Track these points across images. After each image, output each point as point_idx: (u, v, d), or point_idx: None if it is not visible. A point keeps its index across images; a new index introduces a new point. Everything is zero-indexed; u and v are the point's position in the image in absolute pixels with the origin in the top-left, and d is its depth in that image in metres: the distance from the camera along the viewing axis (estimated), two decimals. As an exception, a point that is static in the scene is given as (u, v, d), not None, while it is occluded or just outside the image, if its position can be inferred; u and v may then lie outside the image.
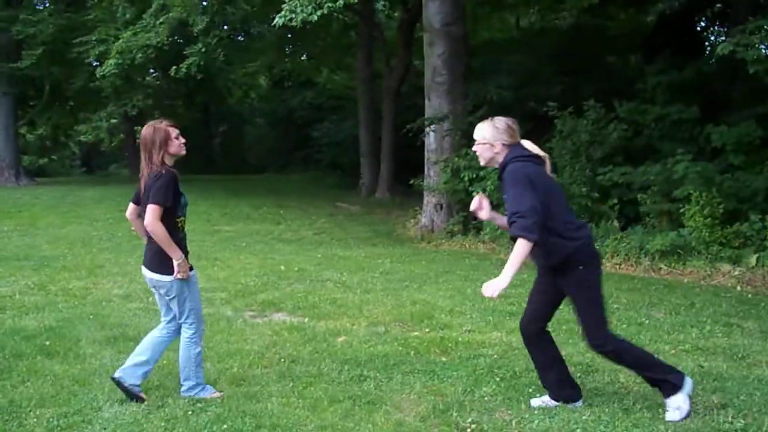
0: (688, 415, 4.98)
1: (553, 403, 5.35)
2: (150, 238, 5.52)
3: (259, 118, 45.10)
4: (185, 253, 5.62)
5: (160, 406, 5.51)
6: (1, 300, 9.49)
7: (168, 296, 5.64)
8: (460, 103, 16.81)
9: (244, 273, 11.25)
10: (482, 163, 5.38)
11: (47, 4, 28.99)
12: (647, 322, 8.07)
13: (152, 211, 5.34)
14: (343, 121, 31.65)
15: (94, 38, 23.93)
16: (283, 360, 6.53)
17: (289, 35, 26.32)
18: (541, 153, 5.29)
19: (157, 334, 5.83)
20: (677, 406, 5.00)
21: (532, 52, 21.14)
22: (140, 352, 5.72)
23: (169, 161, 5.55)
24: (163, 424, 5.17)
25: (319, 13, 13.87)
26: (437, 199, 16.83)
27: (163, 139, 5.56)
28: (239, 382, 6.01)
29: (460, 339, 7.10)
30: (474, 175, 15.03)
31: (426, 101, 17.21)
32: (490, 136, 5.20)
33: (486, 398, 5.53)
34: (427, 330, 7.56)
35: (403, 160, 24.14)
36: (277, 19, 14.48)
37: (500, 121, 5.23)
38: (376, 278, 10.82)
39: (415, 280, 10.65)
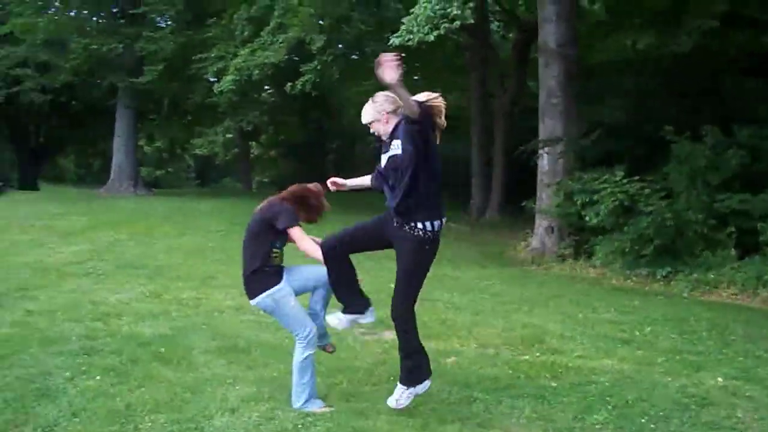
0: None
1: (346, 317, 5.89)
2: None
3: (371, 137, 45.41)
4: None
5: (271, 418, 5.60)
6: (118, 306, 9.79)
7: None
8: (575, 126, 16.65)
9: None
10: (384, 139, 5.57)
11: (169, 23, 29.83)
12: (765, 355, 7.84)
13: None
14: (454, 141, 31.55)
15: (212, 55, 24.54)
16: (392, 378, 6.52)
17: (403, 54, 26.46)
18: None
19: None
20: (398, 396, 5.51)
21: (648, 75, 20.75)
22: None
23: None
24: (272, 436, 5.26)
25: (435, 33, 13.96)
26: (549, 222, 16.66)
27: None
28: (348, 398, 6.06)
29: (570, 364, 7.01)
30: (587, 199, 14.82)
31: (540, 123, 17.08)
32: (373, 113, 5.52)
33: (597, 426, 5.47)
34: (537, 354, 7.49)
35: (514, 181, 23.97)
36: (393, 39, 14.61)
37: (378, 96, 5.53)
38: (486, 300, 10.77)
39: (525, 303, 10.56)
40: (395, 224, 5.51)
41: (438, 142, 5.42)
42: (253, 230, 6.11)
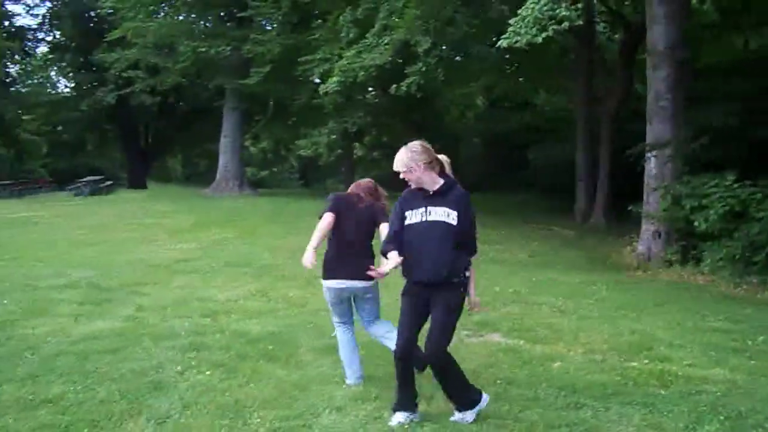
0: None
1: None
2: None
3: (474, 138, 45.23)
4: None
5: (377, 417, 5.64)
6: (226, 304, 9.99)
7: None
8: (684, 129, 16.28)
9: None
10: (413, 186, 5.66)
11: (275, 25, 30.27)
12: None
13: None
14: (559, 143, 31.25)
15: (318, 57, 24.78)
16: (499, 381, 6.52)
17: (507, 56, 26.29)
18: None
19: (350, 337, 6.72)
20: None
21: (760, 77, 20.17)
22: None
23: None
24: (380, 435, 5.29)
25: (543, 35, 13.82)
26: (655, 226, 16.33)
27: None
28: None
29: (680, 373, 6.86)
30: (696, 204, 14.48)
31: (647, 126, 16.75)
32: (408, 161, 5.55)
33: (709, 437, 5.33)
34: (645, 361, 7.34)
35: (620, 185, 23.57)
36: (501, 41, 14.54)
37: (415, 145, 5.63)
38: (592, 305, 10.61)
39: (632, 309, 10.36)
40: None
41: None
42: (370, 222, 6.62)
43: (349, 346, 6.67)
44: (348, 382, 6.51)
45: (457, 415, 5.58)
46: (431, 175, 5.57)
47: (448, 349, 5.63)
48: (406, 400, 5.59)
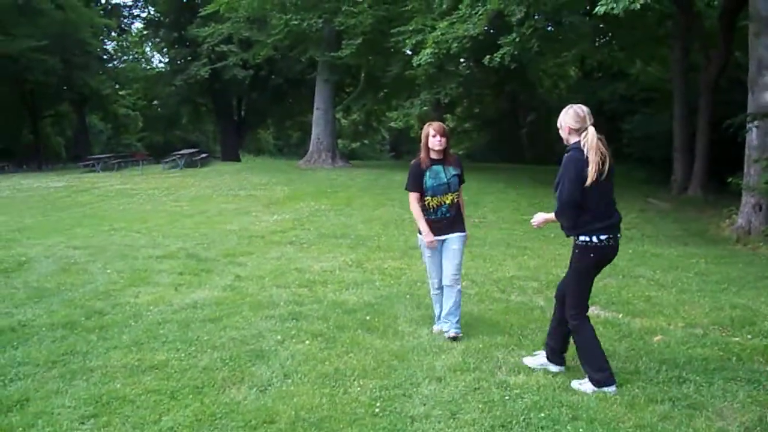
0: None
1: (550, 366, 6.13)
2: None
3: (567, 110, 44.68)
4: (438, 224, 7.15)
5: (476, 388, 5.66)
6: (323, 275, 10.11)
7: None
8: (788, 99, 15.81)
9: (554, 263, 11.22)
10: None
11: (367, -3, 30.32)
12: None
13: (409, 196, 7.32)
14: (655, 114, 30.59)
15: (410, 28, 24.66)
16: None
17: (602, 25, 25.86)
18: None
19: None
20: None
21: None
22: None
23: (432, 154, 7.14)
24: (480, 405, 5.31)
25: (641, 1, 13.55)
26: (756, 199, 15.92)
27: (426, 136, 7.12)
28: (554, 372, 6.02)
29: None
30: (800, 176, 14.11)
31: (749, 95, 16.30)
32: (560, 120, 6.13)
33: (819, 416, 5.20)
34: (749, 336, 7.19)
35: (718, 156, 23.03)
36: (598, 8, 14.30)
37: (570, 108, 6.09)
38: (691, 278, 10.42)
39: (732, 284, 10.14)
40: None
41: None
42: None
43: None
44: None
45: (576, 382, 5.82)
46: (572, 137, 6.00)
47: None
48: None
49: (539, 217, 6.12)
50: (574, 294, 5.91)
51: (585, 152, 5.77)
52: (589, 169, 5.70)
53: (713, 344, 6.84)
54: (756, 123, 15.77)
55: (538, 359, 6.19)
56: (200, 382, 5.76)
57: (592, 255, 5.73)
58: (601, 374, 5.63)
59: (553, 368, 6.07)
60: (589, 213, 5.71)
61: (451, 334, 6.96)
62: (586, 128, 5.90)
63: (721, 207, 18.48)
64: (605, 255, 5.83)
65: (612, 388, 5.62)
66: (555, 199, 5.83)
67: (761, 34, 15.90)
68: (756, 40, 16.08)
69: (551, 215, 5.91)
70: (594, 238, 5.70)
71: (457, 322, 7.04)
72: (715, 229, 17.18)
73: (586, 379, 5.71)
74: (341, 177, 26.29)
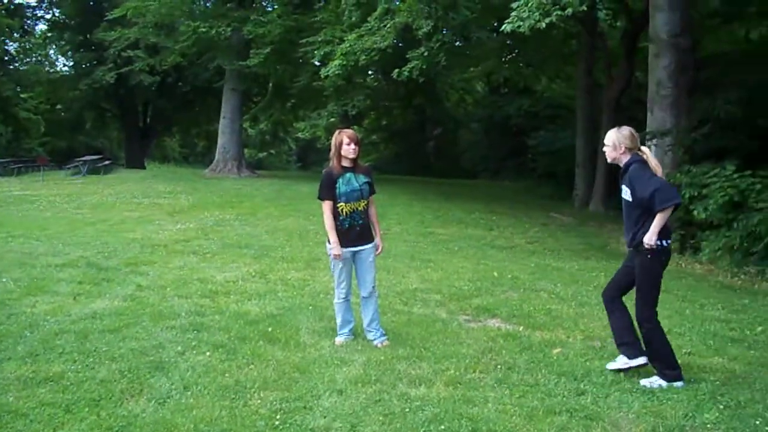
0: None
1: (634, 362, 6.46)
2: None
3: (474, 123, 45.22)
4: (350, 233, 7.28)
5: (378, 400, 5.66)
6: (226, 285, 10.01)
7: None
8: (685, 118, 16.28)
9: (457, 277, 11.31)
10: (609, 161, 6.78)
11: (276, 6, 30.19)
12: None
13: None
14: (559, 130, 31.26)
15: (319, 39, 24.71)
16: (499, 366, 6.53)
17: (509, 42, 26.28)
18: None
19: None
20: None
21: (763, 67, 20.09)
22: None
23: (344, 162, 7.24)
24: (380, 418, 5.32)
25: (547, 20, 13.79)
26: (655, 215, 16.35)
27: (338, 143, 7.19)
28: (455, 384, 6.07)
29: (680, 361, 6.86)
30: (696, 193, 14.48)
31: (648, 114, 16.77)
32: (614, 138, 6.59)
33: (708, 426, 5.34)
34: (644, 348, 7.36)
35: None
36: (505, 26, 14.51)
37: (625, 129, 6.65)
38: (591, 292, 10.62)
39: (630, 297, 10.36)
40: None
41: None
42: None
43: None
44: None
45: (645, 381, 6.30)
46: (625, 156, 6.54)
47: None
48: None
49: (653, 235, 6.21)
50: (647, 299, 6.46)
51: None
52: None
53: (610, 356, 6.95)
54: (654, 141, 16.21)
55: (619, 363, 6.53)
56: (97, 394, 5.62)
57: (663, 258, 6.34)
58: (674, 371, 6.22)
59: (641, 360, 6.44)
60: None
61: (385, 344, 7.26)
62: (639, 147, 6.58)
63: (622, 222, 18.85)
64: (669, 257, 6.50)
65: (681, 383, 6.20)
66: (637, 208, 6.41)
67: (660, 55, 16.39)
68: (655, 60, 16.56)
69: (656, 226, 6.16)
70: (665, 242, 6.27)
71: (380, 329, 7.43)
72: (615, 243, 17.58)
73: (656, 377, 6.25)
74: (247, 187, 26.10)
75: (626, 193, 6.53)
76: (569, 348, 7.29)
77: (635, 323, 6.56)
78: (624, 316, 6.69)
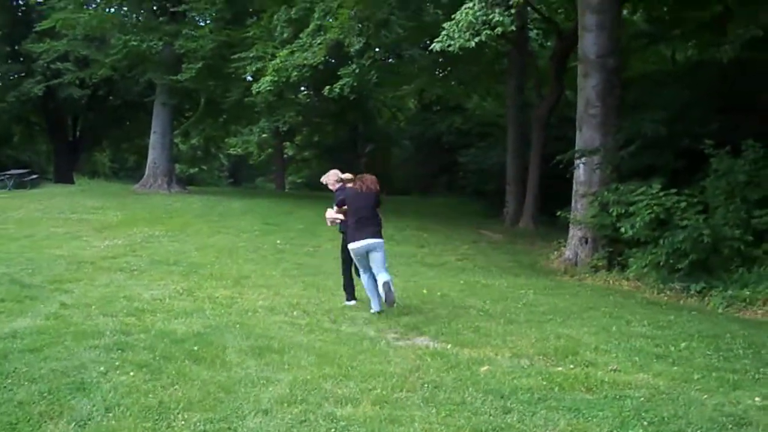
0: None
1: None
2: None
3: (405, 141, 45.36)
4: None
5: (303, 420, 5.62)
6: (152, 303, 9.85)
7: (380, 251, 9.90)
8: (613, 137, 16.49)
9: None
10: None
11: (209, 21, 29.96)
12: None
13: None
14: (490, 148, 31.44)
15: (251, 55, 24.57)
16: (426, 385, 6.51)
17: (441, 60, 26.42)
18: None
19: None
20: None
21: (688, 87, 20.44)
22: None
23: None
24: (305, 440, 5.25)
25: (477, 39, 13.88)
26: (583, 232, 16.54)
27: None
28: (382, 403, 6.02)
29: (605, 378, 6.91)
30: (623, 211, 14.67)
31: (577, 132, 16.97)
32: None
33: (633, 442, 5.37)
34: (571, 366, 7.40)
35: (549, 190, 23.79)
36: (434, 44, 14.57)
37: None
38: (519, 309, 10.69)
39: (558, 314, 10.46)
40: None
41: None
42: (375, 202, 10.18)
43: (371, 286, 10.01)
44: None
45: None
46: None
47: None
48: None
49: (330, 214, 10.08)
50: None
51: None
52: None
53: (537, 374, 6.99)
54: (583, 159, 16.41)
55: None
56: (15, 417, 5.45)
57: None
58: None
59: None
60: None
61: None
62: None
63: (551, 239, 19.10)
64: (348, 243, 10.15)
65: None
66: None
67: (589, 75, 16.61)
68: (584, 80, 16.77)
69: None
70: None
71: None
72: (544, 260, 17.74)
73: None
74: (177, 203, 25.80)
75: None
76: (497, 366, 7.29)
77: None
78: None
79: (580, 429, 5.60)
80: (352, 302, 10.50)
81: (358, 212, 9.92)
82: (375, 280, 9.83)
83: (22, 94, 36.09)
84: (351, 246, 9.88)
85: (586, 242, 16.51)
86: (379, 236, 9.91)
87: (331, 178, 10.99)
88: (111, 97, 42.11)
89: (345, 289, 10.70)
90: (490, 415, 5.85)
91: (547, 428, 5.61)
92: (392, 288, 9.50)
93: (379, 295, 9.73)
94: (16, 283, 10.68)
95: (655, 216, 13.85)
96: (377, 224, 9.99)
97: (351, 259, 10.25)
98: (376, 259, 9.82)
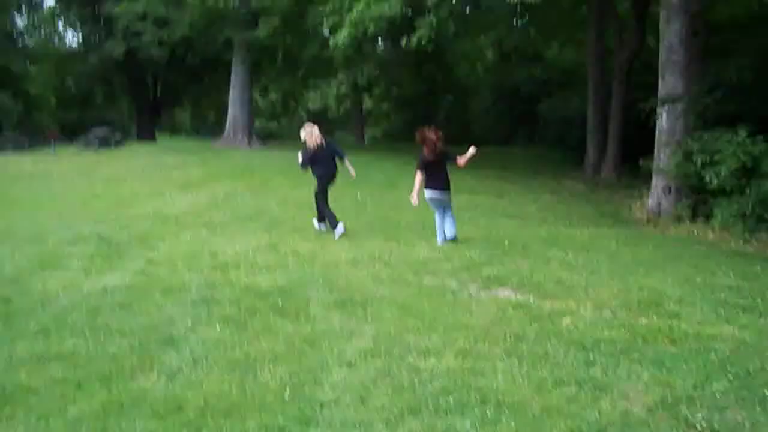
0: None
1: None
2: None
3: (484, 91, 44.97)
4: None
5: (387, 373, 5.66)
6: (236, 258, 10.00)
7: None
8: (697, 84, 16.16)
9: (467, 246, 11.25)
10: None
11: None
12: None
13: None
14: (570, 97, 31.02)
15: (328, 9, 24.53)
16: (508, 337, 6.52)
17: (519, 8, 26.08)
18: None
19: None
20: None
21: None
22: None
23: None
24: (390, 390, 5.33)
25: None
26: (666, 182, 16.29)
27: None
28: (465, 355, 6.06)
29: (690, 330, 6.83)
30: (707, 159, 14.40)
31: (660, 80, 16.64)
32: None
33: (717, 395, 5.31)
34: (655, 318, 7.31)
35: (631, 139, 23.44)
36: (514, -6, 14.41)
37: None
38: (602, 260, 10.59)
39: (641, 265, 10.33)
40: None
41: None
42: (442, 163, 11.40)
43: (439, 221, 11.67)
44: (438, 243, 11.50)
45: None
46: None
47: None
48: None
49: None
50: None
51: None
52: None
53: (620, 326, 6.95)
54: (666, 107, 16.11)
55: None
56: (108, 370, 5.65)
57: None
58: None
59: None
60: None
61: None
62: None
63: (633, 189, 18.86)
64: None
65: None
66: None
67: (671, 20, 16.24)
68: (666, 26, 16.41)
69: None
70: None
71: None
72: (626, 210, 17.55)
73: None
74: (258, 158, 26.06)
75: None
76: (579, 318, 7.26)
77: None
78: None
79: (664, 382, 5.55)
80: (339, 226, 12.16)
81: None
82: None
83: (103, 56, 36.73)
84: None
85: (670, 191, 16.26)
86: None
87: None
88: (189, 56, 42.48)
89: (328, 219, 12.41)
90: (573, 367, 5.85)
91: (630, 380, 5.58)
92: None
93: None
94: (104, 241, 10.97)
95: (741, 164, 13.58)
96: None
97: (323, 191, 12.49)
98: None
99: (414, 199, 11.32)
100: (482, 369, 5.75)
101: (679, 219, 15.54)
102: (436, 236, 11.71)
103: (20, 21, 45.78)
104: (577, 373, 5.68)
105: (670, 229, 15.21)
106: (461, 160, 11.23)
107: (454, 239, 11.49)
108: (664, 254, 11.57)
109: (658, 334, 6.72)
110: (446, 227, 11.57)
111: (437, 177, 11.34)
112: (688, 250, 12.22)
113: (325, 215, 12.48)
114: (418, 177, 11.32)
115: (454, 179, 11.39)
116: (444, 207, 11.56)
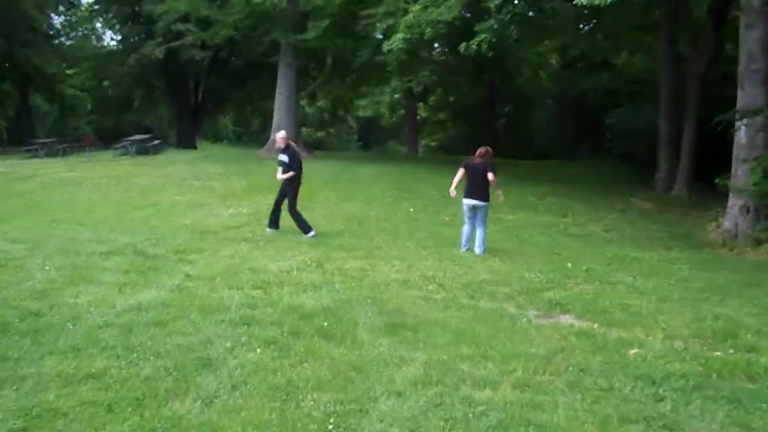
0: None
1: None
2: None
3: (547, 100, 44.75)
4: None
5: (439, 404, 5.61)
6: (279, 275, 10.01)
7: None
8: (779, 96, 15.94)
9: (527, 267, 11.21)
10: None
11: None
12: None
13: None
14: (640, 107, 30.76)
15: (381, 11, 24.59)
16: (571, 368, 6.45)
17: (586, 12, 25.94)
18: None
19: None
20: None
21: None
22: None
23: None
24: (441, 423, 5.29)
25: (625, -12, 13.60)
26: (744, 201, 16.07)
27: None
28: (523, 387, 6.00)
29: (763, 361, 6.72)
30: (790, 179, 14.21)
31: (738, 91, 16.44)
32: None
33: (800, 438, 5.21)
34: (731, 350, 7.21)
35: (706, 154, 23.18)
36: (580, -2, 14.33)
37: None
38: (673, 285, 10.47)
39: (716, 292, 10.20)
40: None
41: None
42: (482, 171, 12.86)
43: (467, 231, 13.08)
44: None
45: None
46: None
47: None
48: None
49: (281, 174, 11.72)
50: (292, 202, 11.40)
51: None
52: None
53: (693, 359, 6.85)
54: (745, 121, 15.89)
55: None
56: (141, 393, 5.66)
57: (295, 184, 10.79)
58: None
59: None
60: None
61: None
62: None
63: (707, 208, 18.66)
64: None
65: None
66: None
67: (752, 26, 16.04)
68: (747, 32, 16.22)
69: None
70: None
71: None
72: (700, 231, 17.34)
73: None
74: (304, 168, 26.11)
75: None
76: (648, 348, 7.16)
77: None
78: None
79: (741, 422, 5.45)
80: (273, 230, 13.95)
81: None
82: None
83: (142, 57, 37.13)
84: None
85: (748, 212, 16.03)
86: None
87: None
88: (233, 59, 42.89)
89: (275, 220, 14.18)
90: (641, 403, 5.76)
91: (703, 420, 5.49)
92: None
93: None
94: (140, 254, 11.04)
95: (826, 184, 13.36)
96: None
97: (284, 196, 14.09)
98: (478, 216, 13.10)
99: (453, 191, 13.23)
100: (542, 403, 5.68)
101: (757, 242, 15.32)
102: (460, 245, 13.13)
103: (57, 20, 46.47)
104: (645, 410, 5.60)
105: (747, 252, 15.00)
106: (494, 180, 12.91)
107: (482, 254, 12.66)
108: (740, 280, 11.43)
109: (734, 368, 6.61)
110: (476, 242, 12.87)
111: (476, 185, 12.93)
112: (766, 276, 12.02)
113: (298, 219, 14.02)
114: (460, 171, 13.19)
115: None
116: (478, 218, 12.96)
